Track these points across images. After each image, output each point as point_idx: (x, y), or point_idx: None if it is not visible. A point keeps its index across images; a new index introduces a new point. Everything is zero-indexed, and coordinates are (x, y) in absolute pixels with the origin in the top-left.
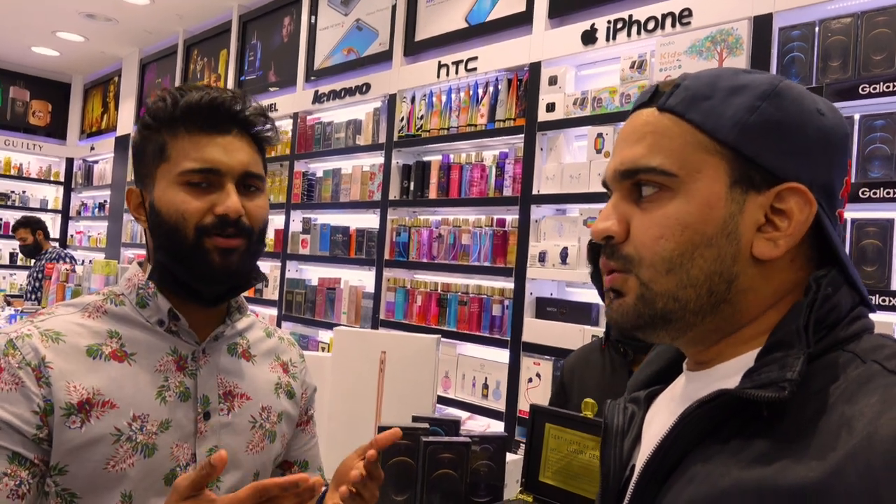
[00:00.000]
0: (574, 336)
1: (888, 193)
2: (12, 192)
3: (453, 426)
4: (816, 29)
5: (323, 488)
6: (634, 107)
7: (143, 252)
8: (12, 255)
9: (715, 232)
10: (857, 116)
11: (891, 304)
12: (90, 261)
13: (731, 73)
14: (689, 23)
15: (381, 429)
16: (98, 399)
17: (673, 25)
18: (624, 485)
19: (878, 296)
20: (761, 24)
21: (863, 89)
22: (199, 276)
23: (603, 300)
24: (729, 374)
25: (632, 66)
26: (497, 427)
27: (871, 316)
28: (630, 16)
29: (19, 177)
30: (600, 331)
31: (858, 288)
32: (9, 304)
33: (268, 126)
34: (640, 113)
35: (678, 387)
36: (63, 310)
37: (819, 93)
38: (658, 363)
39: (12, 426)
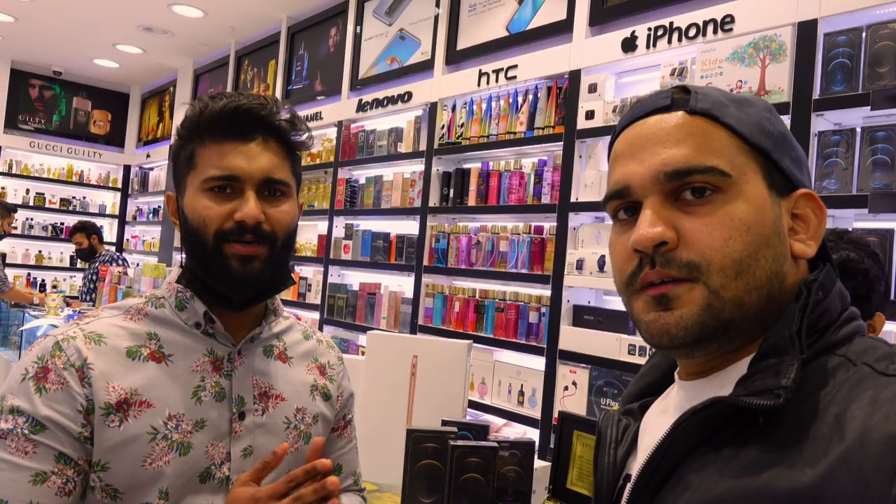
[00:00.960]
0: (611, 345)
1: None
2: (73, 197)
3: (482, 431)
4: (864, 34)
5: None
6: (646, 112)
7: None
8: (72, 259)
9: (770, 232)
10: None
11: None
12: (138, 264)
13: (722, 90)
14: (731, 29)
15: (411, 432)
16: (135, 399)
17: (715, 32)
18: (617, 495)
19: None
20: (806, 30)
21: None
22: (221, 280)
23: (633, 312)
24: (723, 382)
25: (672, 74)
26: (532, 434)
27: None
28: (671, 23)
29: (80, 183)
30: (638, 340)
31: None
32: (68, 304)
33: (298, 132)
34: (664, 117)
35: (671, 396)
36: (108, 312)
37: (866, 100)
38: (651, 375)
39: (60, 425)
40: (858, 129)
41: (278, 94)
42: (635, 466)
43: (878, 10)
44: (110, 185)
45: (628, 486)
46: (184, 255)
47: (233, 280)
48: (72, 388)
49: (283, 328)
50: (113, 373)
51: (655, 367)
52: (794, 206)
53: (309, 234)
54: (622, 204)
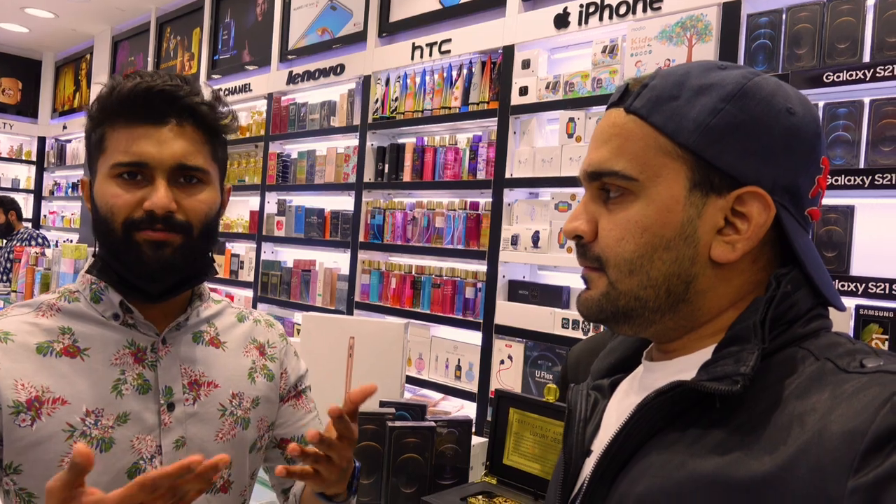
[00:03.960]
0: (545, 319)
1: (849, 180)
2: None
3: (420, 411)
4: (784, 16)
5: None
6: (608, 105)
7: None
8: None
9: (673, 235)
10: (821, 104)
11: (849, 289)
12: (58, 243)
13: (702, 69)
14: (659, 8)
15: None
16: (48, 396)
17: (644, 10)
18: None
19: (837, 281)
20: (730, 11)
21: (827, 77)
22: (133, 269)
23: None
24: (687, 366)
25: (603, 51)
26: (470, 408)
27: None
28: (602, 0)
29: None
30: (571, 313)
31: (819, 290)
32: None
33: (217, 114)
34: (609, 113)
35: (637, 377)
36: (17, 310)
37: (785, 80)
38: (621, 351)
39: None
40: None
41: (204, 65)
42: (598, 445)
43: None
44: (23, 157)
45: (589, 463)
46: (96, 245)
47: (146, 267)
48: None
49: (213, 312)
50: (22, 371)
51: (624, 343)
52: (736, 203)
53: (240, 210)
54: None
